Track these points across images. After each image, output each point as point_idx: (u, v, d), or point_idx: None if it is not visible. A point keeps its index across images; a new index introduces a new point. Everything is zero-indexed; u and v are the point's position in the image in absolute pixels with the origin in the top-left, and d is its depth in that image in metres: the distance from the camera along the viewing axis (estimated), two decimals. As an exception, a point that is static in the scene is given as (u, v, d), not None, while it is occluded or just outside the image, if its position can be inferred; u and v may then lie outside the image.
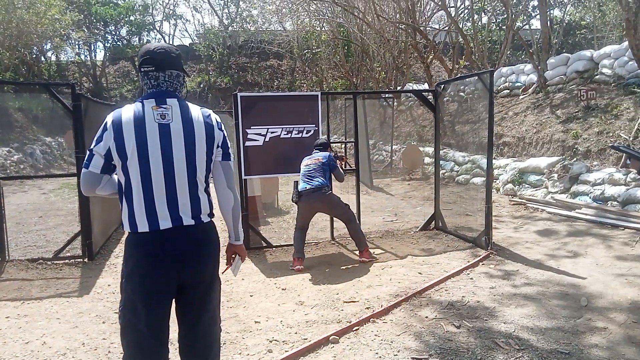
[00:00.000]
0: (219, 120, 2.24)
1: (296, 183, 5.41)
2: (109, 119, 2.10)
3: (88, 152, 2.10)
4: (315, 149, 5.57)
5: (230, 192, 2.28)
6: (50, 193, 10.56)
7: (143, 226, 2.06)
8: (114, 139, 2.05)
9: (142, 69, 2.16)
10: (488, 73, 5.45)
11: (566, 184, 7.33)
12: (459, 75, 11.77)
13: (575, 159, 7.73)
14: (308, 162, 5.41)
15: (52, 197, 10.14)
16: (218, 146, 2.21)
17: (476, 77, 5.99)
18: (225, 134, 2.25)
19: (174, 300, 2.17)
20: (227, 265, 2.47)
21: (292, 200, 5.44)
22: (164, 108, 2.11)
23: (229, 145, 2.27)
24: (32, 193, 10.69)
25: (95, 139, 2.10)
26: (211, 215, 2.24)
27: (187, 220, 2.11)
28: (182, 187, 2.10)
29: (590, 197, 6.81)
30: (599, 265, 4.79)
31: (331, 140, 6.16)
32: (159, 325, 2.10)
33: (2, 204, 5.32)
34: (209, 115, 2.22)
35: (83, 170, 2.11)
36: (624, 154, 3.96)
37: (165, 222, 2.07)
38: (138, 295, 2.07)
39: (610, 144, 7.09)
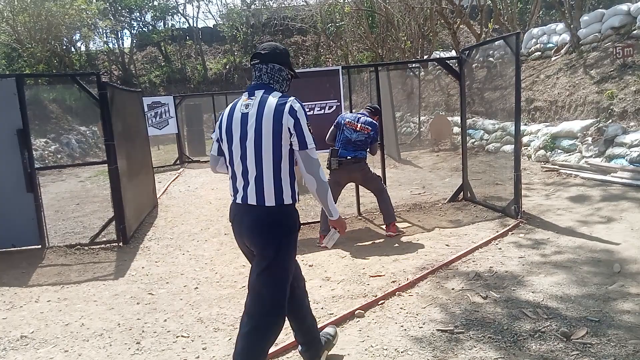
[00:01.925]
0: (295, 108, 2.35)
1: (334, 150, 5.26)
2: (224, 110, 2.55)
3: (212, 138, 2.64)
4: (366, 110, 5.48)
5: (311, 177, 2.43)
6: (86, 181, 10.94)
7: (233, 197, 2.51)
8: (218, 127, 2.51)
9: (251, 62, 2.50)
10: (514, 36, 5.23)
11: (601, 147, 7.04)
12: (488, 39, 11.36)
13: (610, 121, 7.40)
14: (356, 126, 5.24)
15: (89, 184, 10.51)
16: (291, 133, 2.34)
17: (503, 41, 5.76)
18: (301, 122, 2.36)
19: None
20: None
21: (328, 167, 5.24)
22: (251, 99, 2.41)
23: (305, 134, 2.37)
24: (70, 181, 11.10)
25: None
26: (279, 199, 2.38)
27: (251, 199, 2.38)
28: (251, 169, 2.37)
29: (626, 160, 6.53)
30: (634, 230, 4.63)
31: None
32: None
33: (40, 193, 5.54)
34: (284, 103, 2.35)
35: (211, 153, 2.66)
36: None
37: (238, 197, 2.45)
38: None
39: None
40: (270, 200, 2.36)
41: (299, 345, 2.81)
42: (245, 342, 2.40)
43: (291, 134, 2.34)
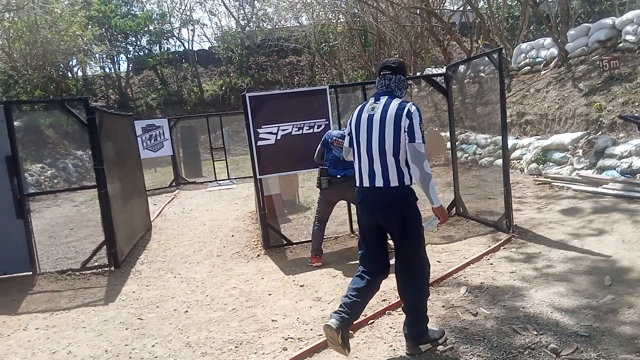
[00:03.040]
0: (411, 110, 2.90)
1: (324, 169, 5.23)
2: (354, 111, 3.13)
3: (344, 134, 3.47)
4: None
5: (415, 166, 2.90)
6: (81, 205, 10.92)
7: (358, 182, 3.11)
8: (349, 124, 3.15)
9: (382, 73, 3.08)
10: (497, 52, 5.29)
11: (592, 159, 7.07)
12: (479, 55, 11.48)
13: (600, 133, 7.44)
14: (343, 145, 5.22)
15: (84, 208, 10.49)
16: (405, 130, 2.88)
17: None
18: (414, 122, 2.88)
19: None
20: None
21: (318, 186, 5.26)
22: (377, 104, 3.00)
23: (416, 130, 2.89)
24: (65, 206, 11.08)
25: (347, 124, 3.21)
26: (401, 181, 2.95)
27: (380, 183, 2.96)
28: (376, 159, 2.96)
29: (617, 171, 6.55)
30: (625, 242, 4.61)
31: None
32: (370, 248, 3.16)
33: (30, 219, 5.53)
34: (403, 107, 2.91)
35: (344, 145, 3.36)
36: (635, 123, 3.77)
37: (366, 182, 3.02)
38: (361, 230, 3.20)
39: (618, 114, 6.80)
40: (394, 182, 2.94)
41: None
42: (407, 302, 3.09)
43: (405, 131, 2.88)
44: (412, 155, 2.88)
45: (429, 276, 3.18)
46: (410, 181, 2.97)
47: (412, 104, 2.94)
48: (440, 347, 3.09)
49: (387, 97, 3.00)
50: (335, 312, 3.01)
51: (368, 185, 3.01)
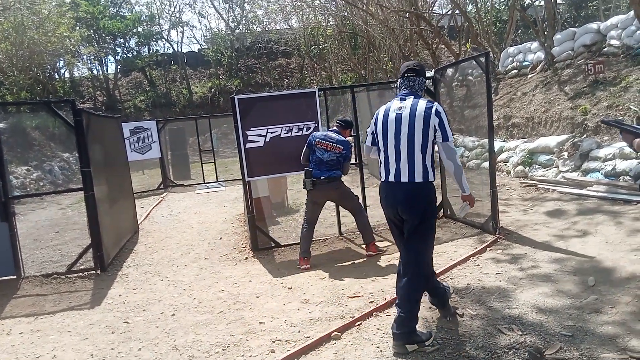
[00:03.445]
0: (439, 110, 3.13)
1: (309, 171, 5.26)
2: (377, 111, 3.33)
3: (367, 133, 3.42)
4: (336, 125, 5.45)
5: (450, 162, 3.18)
6: (67, 208, 10.80)
7: (382, 177, 3.30)
8: (374, 124, 3.33)
9: (406, 75, 3.28)
10: (484, 55, 5.35)
11: (577, 162, 7.17)
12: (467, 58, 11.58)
13: (585, 136, 7.55)
14: (327, 146, 5.23)
15: (70, 211, 10.38)
16: (436, 129, 3.10)
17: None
18: (444, 120, 3.11)
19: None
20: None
21: (304, 187, 5.31)
22: (403, 103, 3.19)
23: (447, 129, 3.12)
24: (51, 209, 10.96)
25: (370, 124, 3.38)
26: (426, 177, 3.14)
27: (405, 178, 3.14)
28: (403, 155, 3.13)
29: (601, 174, 6.65)
30: (608, 243, 4.68)
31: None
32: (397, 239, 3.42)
33: (15, 223, 5.46)
34: (431, 107, 3.13)
35: (364, 144, 3.51)
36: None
37: (391, 177, 3.20)
38: (387, 219, 3.43)
39: (600, 119, 6.91)
40: (419, 178, 3.12)
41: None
42: (409, 275, 3.18)
43: (436, 130, 3.10)
44: (446, 152, 3.15)
45: (428, 277, 3.32)
46: (433, 177, 3.20)
47: (438, 103, 3.17)
48: (427, 348, 3.11)
49: (412, 97, 3.21)
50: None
51: (393, 181, 3.19)
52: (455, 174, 3.22)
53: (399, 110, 3.17)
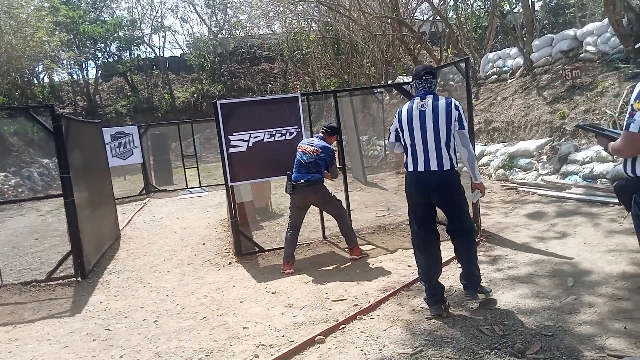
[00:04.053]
0: (458, 104, 3.57)
1: (290, 175, 5.31)
2: (398, 111, 3.74)
3: (390, 130, 3.85)
4: (322, 132, 5.50)
5: (464, 149, 3.59)
6: (47, 214, 10.62)
7: (410, 167, 3.67)
8: (398, 121, 3.72)
9: (424, 77, 3.65)
10: (463, 61, 5.44)
11: (556, 165, 7.30)
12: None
13: (563, 139, 7.70)
14: (306, 149, 5.30)
15: (49, 218, 10.20)
16: (455, 120, 3.51)
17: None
18: (461, 113, 3.56)
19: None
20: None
21: (285, 191, 5.34)
22: (424, 101, 3.58)
23: (464, 120, 3.58)
24: (29, 216, 10.76)
25: (393, 122, 3.79)
26: (452, 165, 3.56)
27: (435, 167, 3.54)
28: (431, 146, 3.53)
29: (579, 176, 6.79)
30: (587, 244, 4.78)
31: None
32: (420, 220, 3.75)
33: (-8, 229, 5.36)
34: (451, 102, 3.55)
35: (387, 140, 3.96)
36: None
37: (421, 166, 3.58)
38: (411, 207, 3.76)
39: (576, 124, 7.06)
40: (447, 166, 3.53)
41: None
42: (466, 252, 3.70)
43: (456, 120, 3.51)
44: (462, 139, 3.57)
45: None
46: (457, 164, 3.61)
47: (454, 99, 3.60)
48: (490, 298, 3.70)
49: (431, 95, 3.60)
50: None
51: (423, 170, 3.57)
52: (468, 160, 3.63)
53: (422, 107, 3.56)
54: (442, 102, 3.55)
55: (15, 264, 6.50)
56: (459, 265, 4.67)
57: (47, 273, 5.59)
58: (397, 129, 3.74)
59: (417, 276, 4.45)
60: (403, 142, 3.71)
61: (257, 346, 3.48)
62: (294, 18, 21.40)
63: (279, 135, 5.93)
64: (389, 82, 17.04)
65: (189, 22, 36.22)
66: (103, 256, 6.51)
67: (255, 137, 5.85)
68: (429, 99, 3.57)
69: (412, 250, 5.36)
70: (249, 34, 27.43)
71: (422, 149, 3.57)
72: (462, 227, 3.68)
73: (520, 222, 5.94)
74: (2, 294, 5.20)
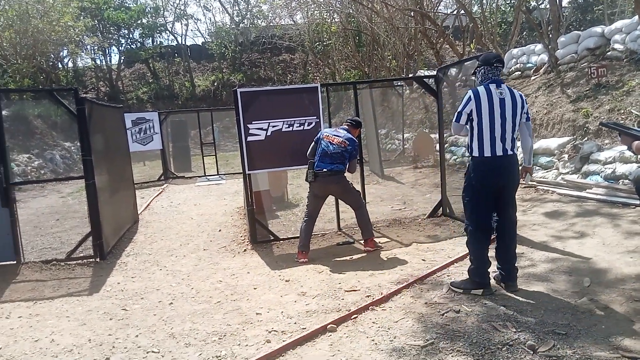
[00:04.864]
0: (523, 96, 3.82)
1: (312, 163, 5.30)
2: (470, 94, 3.75)
3: (457, 114, 3.82)
4: (346, 124, 5.50)
5: (529, 138, 3.94)
6: (68, 196, 10.84)
7: (487, 153, 3.72)
8: (475, 105, 3.71)
9: (495, 65, 3.78)
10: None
11: (577, 164, 7.18)
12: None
13: (586, 139, 7.56)
14: (333, 139, 5.26)
15: (70, 200, 10.42)
16: (525, 112, 3.79)
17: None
18: (526, 104, 3.82)
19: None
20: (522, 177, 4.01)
21: (306, 179, 5.35)
22: (500, 89, 3.71)
23: (529, 111, 3.89)
24: (51, 197, 11.00)
25: (461, 105, 3.79)
26: (515, 151, 3.78)
27: (510, 151, 3.73)
28: (509, 133, 3.69)
29: (601, 177, 6.67)
30: (605, 245, 4.71)
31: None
32: (489, 207, 3.90)
33: (15, 208, 5.49)
34: (522, 95, 3.82)
35: (454, 122, 3.89)
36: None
37: (500, 151, 3.71)
38: (481, 194, 3.81)
39: (599, 122, 6.92)
40: (514, 150, 3.77)
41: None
42: (514, 244, 3.92)
43: (525, 112, 3.79)
44: (528, 130, 3.89)
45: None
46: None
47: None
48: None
49: (503, 84, 3.76)
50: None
51: (501, 154, 3.70)
52: (530, 148, 4.01)
53: (501, 95, 3.69)
54: (516, 92, 3.76)
55: (37, 242, 6.67)
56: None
57: (67, 253, 5.72)
58: (471, 111, 3.74)
59: (429, 270, 4.46)
60: (476, 127, 3.73)
61: (270, 332, 3.52)
62: (316, 9, 21.32)
63: (298, 125, 5.94)
64: (410, 75, 16.90)
65: (212, 11, 36.46)
66: (121, 239, 6.63)
67: (273, 127, 5.88)
68: (505, 87, 3.73)
69: (427, 244, 5.40)
70: (271, 24, 27.41)
71: (500, 135, 3.68)
72: (513, 217, 3.90)
73: (538, 221, 5.87)
74: (23, 271, 5.34)
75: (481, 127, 3.70)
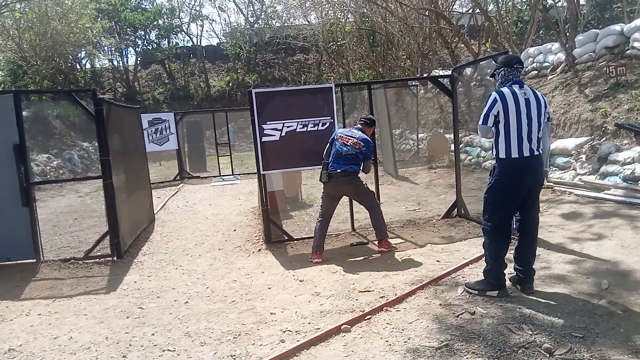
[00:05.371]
0: (544, 96, 3.82)
1: (326, 163, 5.32)
2: (495, 95, 3.72)
3: (483, 116, 3.77)
4: (360, 123, 5.51)
5: (547, 139, 3.97)
6: (86, 196, 11.01)
7: (515, 154, 3.69)
8: (502, 105, 3.68)
9: (516, 66, 3.80)
10: (503, 55, 5.30)
11: (595, 165, 7.08)
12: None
13: (604, 139, 7.44)
14: (348, 141, 5.26)
15: (88, 199, 10.58)
16: (546, 112, 3.79)
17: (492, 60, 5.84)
18: (547, 105, 3.82)
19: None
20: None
21: (320, 179, 5.36)
22: (523, 89, 3.73)
23: (548, 112, 3.86)
24: (69, 197, 11.18)
25: (487, 107, 3.75)
26: (539, 149, 3.79)
27: (536, 152, 3.74)
28: (534, 133, 3.70)
29: (619, 177, 6.56)
30: (624, 247, 4.63)
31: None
32: (513, 209, 3.91)
33: (35, 208, 5.60)
34: (542, 95, 3.81)
35: (482, 125, 3.81)
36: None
37: (527, 152, 3.70)
38: (509, 195, 3.78)
39: (615, 122, 6.80)
40: (539, 150, 3.78)
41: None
42: (535, 245, 3.91)
43: (546, 113, 3.80)
44: (547, 130, 3.91)
45: None
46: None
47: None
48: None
49: (524, 85, 3.79)
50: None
51: (528, 155, 3.70)
52: (549, 149, 4.11)
53: (525, 95, 3.70)
54: (538, 93, 3.78)
55: (56, 241, 6.79)
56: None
57: (85, 251, 5.81)
58: (498, 112, 3.71)
59: (444, 271, 4.44)
60: (502, 128, 3.71)
61: (284, 331, 3.54)
62: (330, 9, 21.30)
63: (312, 125, 5.95)
64: (424, 75, 16.79)
65: (226, 12, 36.72)
66: (138, 238, 6.71)
67: (288, 127, 5.90)
68: (527, 88, 3.75)
69: (441, 245, 5.37)
70: (285, 24, 27.46)
71: (527, 135, 3.68)
72: (537, 217, 3.94)
73: (555, 222, 5.80)
74: (43, 269, 5.44)
75: (508, 128, 3.68)
